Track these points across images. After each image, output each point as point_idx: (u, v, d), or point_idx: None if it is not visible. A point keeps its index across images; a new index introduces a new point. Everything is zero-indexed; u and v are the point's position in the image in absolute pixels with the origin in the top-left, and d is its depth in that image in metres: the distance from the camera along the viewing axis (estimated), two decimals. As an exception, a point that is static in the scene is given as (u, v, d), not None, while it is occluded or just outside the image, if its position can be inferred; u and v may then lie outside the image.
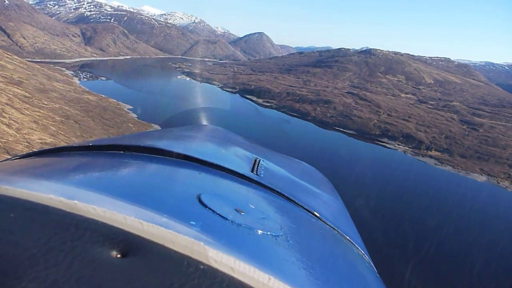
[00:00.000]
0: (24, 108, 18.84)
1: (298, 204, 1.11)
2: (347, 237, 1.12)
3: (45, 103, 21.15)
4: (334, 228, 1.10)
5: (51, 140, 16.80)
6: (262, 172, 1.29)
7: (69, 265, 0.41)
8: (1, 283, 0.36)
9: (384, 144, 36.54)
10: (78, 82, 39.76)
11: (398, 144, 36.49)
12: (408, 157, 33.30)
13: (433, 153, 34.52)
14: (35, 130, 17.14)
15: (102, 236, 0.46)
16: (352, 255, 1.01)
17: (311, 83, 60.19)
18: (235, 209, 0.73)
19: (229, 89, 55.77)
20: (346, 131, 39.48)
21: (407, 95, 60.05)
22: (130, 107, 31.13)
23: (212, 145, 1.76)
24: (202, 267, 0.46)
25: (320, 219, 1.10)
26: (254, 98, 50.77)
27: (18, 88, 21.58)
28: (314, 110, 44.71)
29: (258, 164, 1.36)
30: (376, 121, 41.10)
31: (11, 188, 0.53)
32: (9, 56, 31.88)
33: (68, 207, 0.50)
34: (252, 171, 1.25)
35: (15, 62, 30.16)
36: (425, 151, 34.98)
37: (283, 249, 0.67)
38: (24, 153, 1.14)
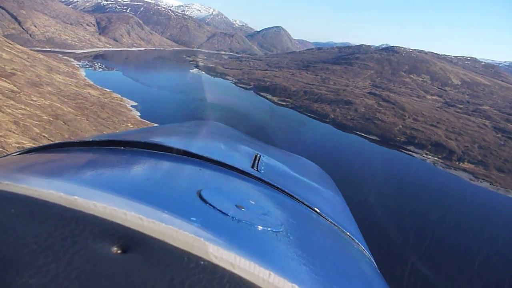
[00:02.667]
0: (6, 106, 16.53)
1: (299, 200, 1.11)
2: (348, 233, 1.12)
3: (34, 99, 18.85)
4: (334, 224, 1.11)
5: (31, 144, 14.42)
6: (263, 168, 1.28)
7: (70, 260, 0.41)
8: (2, 279, 0.37)
9: (410, 153, 32.87)
10: (83, 74, 37.59)
11: (427, 154, 32.79)
12: (440, 170, 29.62)
13: (466, 165, 30.84)
14: (14, 132, 14.79)
15: (103, 232, 0.47)
16: (352, 251, 1.02)
17: (330, 81, 56.64)
18: (236, 205, 0.73)
19: (243, 85, 52.89)
20: (369, 136, 35.94)
21: (433, 97, 56.03)
22: (134, 103, 28.56)
23: (213, 140, 1.71)
24: (202, 263, 0.46)
25: (321, 215, 1.11)
26: (269, 96, 47.73)
27: (5, 82, 19.34)
28: (333, 112, 41.31)
29: (258, 160, 1.35)
30: (401, 126, 37.46)
31: (12, 184, 0.53)
32: (10, 45, 29.85)
33: (68, 203, 0.50)
34: (253, 167, 1.24)
35: (14, 52, 28.07)
36: (457, 163, 31.28)
37: (283, 245, 0.67)
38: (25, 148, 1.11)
